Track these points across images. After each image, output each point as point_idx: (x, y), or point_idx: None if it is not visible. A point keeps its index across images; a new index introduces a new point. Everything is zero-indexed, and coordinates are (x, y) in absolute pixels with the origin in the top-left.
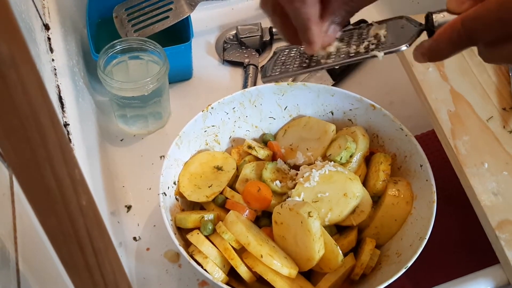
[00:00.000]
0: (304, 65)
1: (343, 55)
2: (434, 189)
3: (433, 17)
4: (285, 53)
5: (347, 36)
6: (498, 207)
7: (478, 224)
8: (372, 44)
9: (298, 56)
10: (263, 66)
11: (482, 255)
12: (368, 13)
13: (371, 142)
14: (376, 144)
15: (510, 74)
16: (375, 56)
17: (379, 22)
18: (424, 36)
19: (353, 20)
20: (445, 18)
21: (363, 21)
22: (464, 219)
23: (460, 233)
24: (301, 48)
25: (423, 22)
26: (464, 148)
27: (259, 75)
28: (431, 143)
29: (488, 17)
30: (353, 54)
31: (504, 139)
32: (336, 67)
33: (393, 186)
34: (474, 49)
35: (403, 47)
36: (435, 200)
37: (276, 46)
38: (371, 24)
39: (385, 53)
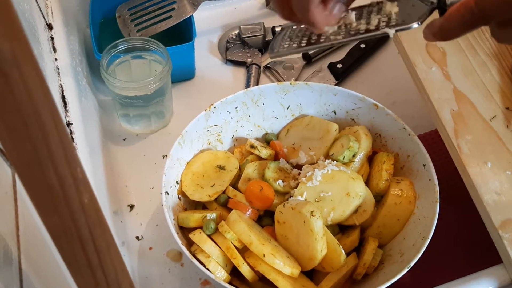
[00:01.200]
0: (313, 40)
1: (353, 32)
2: (437, 188)
3: None
4: (293, 28)
5: (357, 13)
6: (501, 207)
7: (481, 224)
8: (383, 22)
9: (306, 32)
10: (270, 42)
11: (485, 254)
12: None
13: (374, 142)
14: (379, 144)
15: None
16: (385, 34)
17: (390, 0)
18: (435, 15)
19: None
20: None
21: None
22: (467, 218)
23: (463, 232)
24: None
25: (434, 0)
26: (467, 147)
27: (262, 75)
28: (434, 142)
29: None
30: (363, 31)
31: (507, 139)
32: (346, 44)
33: (396, 186)
34: (477, 47)
35: (415, 25)
36: (438, 200)
37: None
38: (381, 2)
39: (396, 30)
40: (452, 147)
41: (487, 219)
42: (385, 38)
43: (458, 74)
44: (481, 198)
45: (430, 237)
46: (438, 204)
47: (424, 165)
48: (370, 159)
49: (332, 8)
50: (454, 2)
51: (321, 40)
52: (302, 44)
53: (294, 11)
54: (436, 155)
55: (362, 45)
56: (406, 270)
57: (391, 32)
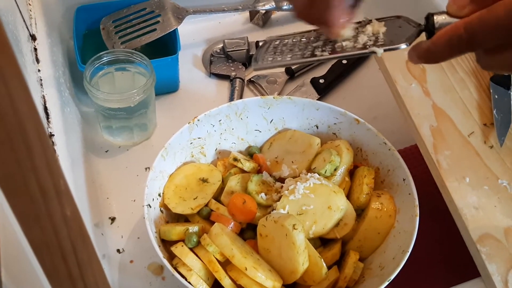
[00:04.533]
0: (298, 55)
1: (339, 49)
2: (417, 202)
3: (434, 18)
4: (276, 43)
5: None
6: (479, 221)
7: (459, 238)
8: (370, 40)
9: (290, 46)
10: (254, 55)
11: (464, 268)
12: (367, 12)
13: (355, 156)
14: (360, 158)
15: (491, 91)
16: (374, 52)
17: (377, 20)
18: (422, 37)
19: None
20: (446, 20)
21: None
22: (446, 232)
23: (442, 246)
24: (294, 39)
25: (422, 23)
26: (446, 162)
27: (246, 88)
28: (414, 157)
29: (495, 24)
30: (350, 49)
31: (484, 154)
32: (331, 60)
33: (377, 200)
34: (456, 65)
35: (403, 45)
36: (418, 214)
37: None
38: (370, 21)
39: (384, 50)
40: (432, 162)
41: (466, 233)
42: (366, 55)
43: (437, 91)
44: (460, 213)
45: (409, 250)
46: (418, 218)
47: (404, 180)
48: (351, 173)
49: (347, 12)
50: (443, 25)
51: (306, 56)
52: (287, 58)
53: (312, 8)
54: (416, 169)
55: (344, 61)
56: (387, 283)
57: (379, 51)
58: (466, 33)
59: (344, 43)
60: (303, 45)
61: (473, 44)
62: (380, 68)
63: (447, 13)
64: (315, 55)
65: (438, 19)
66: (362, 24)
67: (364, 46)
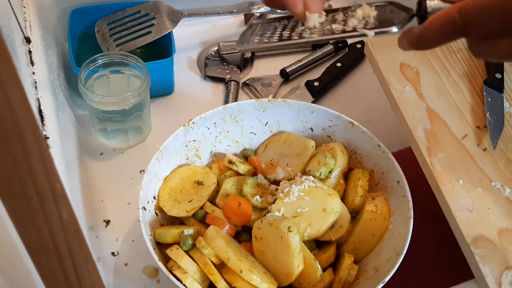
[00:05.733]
0: (284, 37)
1: (327, 31)
2: (411, 205)
3: (427, 2)
4: (263, 26)
5: (333, 13)
6: (473, 223)
7: (453, 240)
8: (360, 24)
9: (278, 28)
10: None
11: (458, 270)
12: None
13: (350, 158)
14: (354, 160)
15: (484, 94)
16: (364, 35)
17: (368, 4)
18: (413, 23)
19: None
20: (439, 5)
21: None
22: (440, 235)
23: (436, 248)
24: (279, 25)
25: (414, 7)
26: (439, 165)
27: (240, 91)
28: (408, 160)
29: (490, 9)
30: (339, 31)
31: (478, 157)
32: (319, 42)
33: (371, 202)
34: (450, 68)
35: (394, 29)
36: (412, 216)
37: (257, 63)
38: (360, 5)
39: (375, 33)
40: (425, 165)
41: (459, 235)
42: (361, 57)
43: (431, 94)
44: (453, 215)
45: (404, 252)
46: (412, 220)
47: (398, 182)
48: (346, 175)
49: None
50: (435, 10)
51: (294, 37)
52: (274, 40)
53: None
54: (410, 172)
55: (339, 64)
56: (381, 285)
57: (370, 33)
58: (460, 18)
59: (333, 26)
60: (290, 28)
61: (467, 29)
62: (374, 71)
63: None
64: (303, 37)
65: (431, 3)
66: (352, 9)
67: (354, 29)
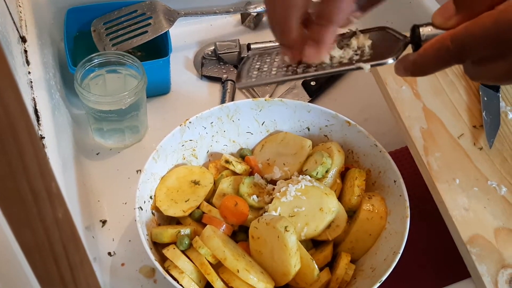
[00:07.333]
0: (283, 72)
1: (325, 65)
2: (408, 204)
3: (420, 30)
4: (259, 57)
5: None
6: (469, 222)
7: (450, 239)
8: (356, 55)
9: (275, 62)
10: (237, 71)
11: (454, 269)
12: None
13: (346, 158)
14: (351, 160)
15: (480, 93)
16: (360, 68)
17: (362, 31)
18: (409, 49)
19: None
20: (432, 32)
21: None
22: (436, 234)
23: (433, 247)
24: (277, 57)
25: (407, 34)
26: (436, 164)
27: (237, 91)
28: (405, 159)
29: (482, 35)
30: (336, 65)
31: (474, 156)
32: (318, 77)
33: (368, 201)
34: (447, 68)
35: (390, 60)
36: (408, 215)
37: None
38: (354, 33)
39: (371, 66)
40: (422, 164)
41: (456, 234)
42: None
43: (427, 93)
44: (450, 214)
45: (401, 252)
46: (409, 219)
47: (395, 181)
48: (343, 175)
49: (321, 35)
50: (429, 37)
51: (290, 74)
52: (271, 75)
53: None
54: (406, 171)
55: None
56: (378, 284)
57: (366, 67)
58: (453, 45)
59: (329, 59)
60: (287, 63)
61: (461, 56)
62: (371, 70)
63: (433, 24)
64: (300, 72)
65: (424, 31)
66: (345, 36)
67: (351, 62)
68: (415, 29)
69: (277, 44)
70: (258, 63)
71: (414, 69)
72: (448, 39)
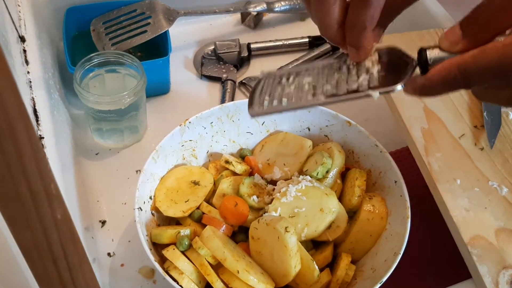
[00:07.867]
0: (293, 99)
1: (334, 92)
2: (408, 204)
3: (427, 53)
4: (271, 81)
5: (338, 65)
6: (470, 223)
7: (451, 239)
8: (365, 80)
9: (286, 86)
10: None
11: (455, 270)
12: None
13: (347, 158)
14: (351, 160)
15: None
16: (369, 96)
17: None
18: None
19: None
20: (439, 55)
21: None
22: (437, 234)
23: (434, 248)
24: (288, 81)
25: (415, 56)
26: (437, 164)
27: (237, 90)
28: (405, 159)
29: (488, 67)
30: (345, 92)
31: (475, 156)
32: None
33: (368, 202)
34: None
35: (399, 87)
36: (409, 216)
37: (254, 62)
38: None
39: (380, 93)
40: (423, 164)
41: (457, 235)
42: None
43: None
44: (451, 214)
45: (401, 252)
46: (409, 220)
47: (395, 182)
48: (343, 175)
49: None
50: (436, 60)
51: (301, 101)
52: (283, 104)
53: (345, 28)
54: (407, 171)
55: None
56: (379, 285)
57: (375, 95)
58: (460, 74)
59: (341, 84)
60: (299, 86)
61: (468, 84)
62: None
63: (439, 47)
64: (310, 100)
65: (431, 54)
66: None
67: (358, 89)
68: (421, 52)
69: (286, 64)
70: (268, 87)
71: (422, 92)
72: (455, 67)
